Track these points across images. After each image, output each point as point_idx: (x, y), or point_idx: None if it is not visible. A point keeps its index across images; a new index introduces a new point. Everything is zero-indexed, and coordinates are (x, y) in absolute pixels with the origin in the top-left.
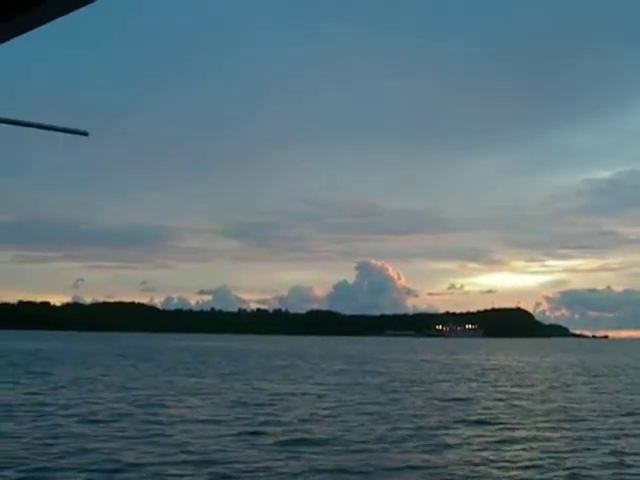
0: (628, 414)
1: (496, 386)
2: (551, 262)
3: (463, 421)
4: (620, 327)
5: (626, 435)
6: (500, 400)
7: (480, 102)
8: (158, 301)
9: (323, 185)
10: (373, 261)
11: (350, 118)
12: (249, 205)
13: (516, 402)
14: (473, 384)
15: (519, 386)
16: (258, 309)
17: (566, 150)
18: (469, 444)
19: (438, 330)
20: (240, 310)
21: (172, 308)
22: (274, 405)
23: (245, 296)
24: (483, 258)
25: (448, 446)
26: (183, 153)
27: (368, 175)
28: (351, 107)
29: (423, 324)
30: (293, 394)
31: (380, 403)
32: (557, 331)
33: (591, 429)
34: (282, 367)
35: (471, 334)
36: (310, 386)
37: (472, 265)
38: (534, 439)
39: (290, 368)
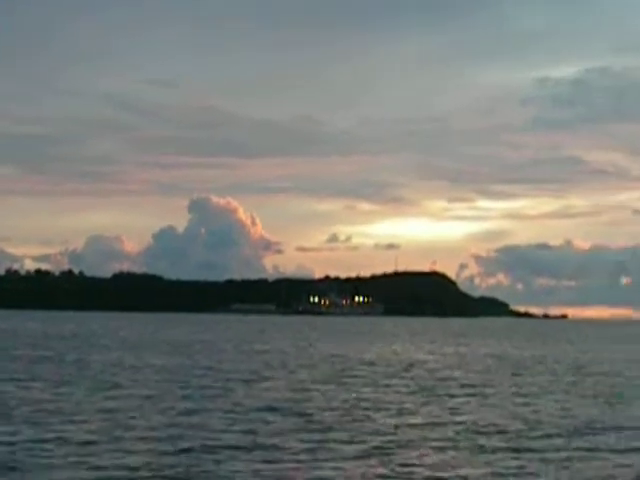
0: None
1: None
2: (484, 203)
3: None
4: (585, 301)
5: None
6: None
7: None
8: None
9: (138, 79)
10: (214, 198)
11: None
12: (20, 106)
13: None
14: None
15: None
16: (37, 270)
17: (509, 38)
18: None
19: (313, 304)
20: (9, 271)
21: None
22: None
23: (17, 250)
24: (381, 196)
25: None
26: None
27: (208, 67)
28: None
29: (291, 295)
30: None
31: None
32: (492, 307)
33: None
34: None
35: (364, 310)
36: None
37: (364, 206)
38: None
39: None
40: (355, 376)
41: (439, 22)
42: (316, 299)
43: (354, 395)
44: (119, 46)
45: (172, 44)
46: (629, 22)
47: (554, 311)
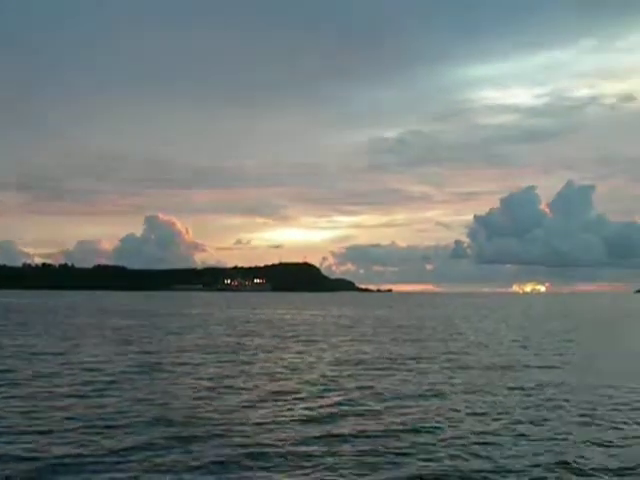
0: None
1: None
2: (338, 218)
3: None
4: (403, 281)
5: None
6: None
7: (277, 61)
8: None
9: (112, 137)
10: (161, 215)
11: (141, 69)
12: (36, 157)
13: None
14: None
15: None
16: (43, 264)
17: (355, 111)
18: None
19: (227, 284)
20: (24, 265)
21: None
22: None
23: (30, 250)
24: (272, 213)
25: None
26: None
27: (157, 128)
28: (143, 58)
29: (212, 278)
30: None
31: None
32: (343, 285)
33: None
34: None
35: (260, 288)
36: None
37: (260, 220)
38: None
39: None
40: (248, 329)
41: (313, 105)
42: (229, 281)
43: (242, 340)
44: (120, 118)
45: (126, 114)
46: (436, 99)
47: (384, 287)
